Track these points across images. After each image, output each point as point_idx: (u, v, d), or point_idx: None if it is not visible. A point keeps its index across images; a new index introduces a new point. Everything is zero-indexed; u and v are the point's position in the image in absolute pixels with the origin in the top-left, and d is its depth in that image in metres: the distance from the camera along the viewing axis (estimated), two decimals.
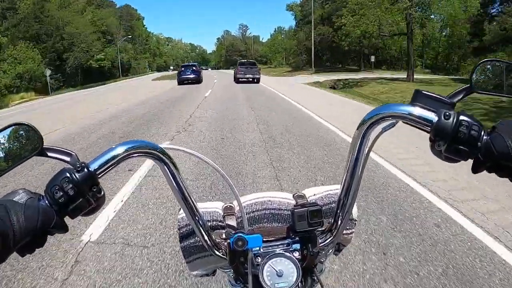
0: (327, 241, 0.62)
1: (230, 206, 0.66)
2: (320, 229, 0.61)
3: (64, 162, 0.50)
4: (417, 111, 0.51)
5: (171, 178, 0.56)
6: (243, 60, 29.55)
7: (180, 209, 0.61)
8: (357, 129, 0.55)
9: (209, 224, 0.63)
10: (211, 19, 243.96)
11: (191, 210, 0.58)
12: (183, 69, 25.45)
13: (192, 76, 24.21)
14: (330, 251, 0.66)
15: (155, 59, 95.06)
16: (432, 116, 0.50)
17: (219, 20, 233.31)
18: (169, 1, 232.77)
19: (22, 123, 0.52)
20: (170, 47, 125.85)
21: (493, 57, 0.57)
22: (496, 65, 0.56)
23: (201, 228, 0.59)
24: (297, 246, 0.60)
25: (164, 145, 0.55)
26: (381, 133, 0.55)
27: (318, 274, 0.62)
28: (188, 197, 0.57)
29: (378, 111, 0.53)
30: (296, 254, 0.59)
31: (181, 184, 0.56)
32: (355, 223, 0.67)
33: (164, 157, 0.54)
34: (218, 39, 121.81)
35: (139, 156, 0.53)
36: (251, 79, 24.48)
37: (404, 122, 0.53)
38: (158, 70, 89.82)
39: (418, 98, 0.52)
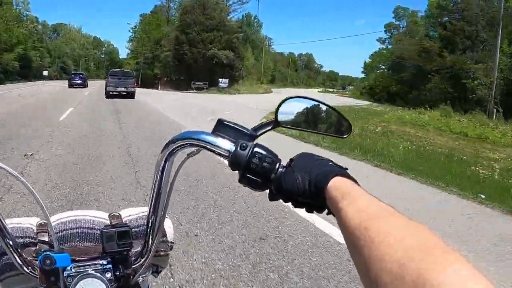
0: (140, 262, 0.63)
1: (45, 223, 0.64)
2: (134, 250, 0.62)
3: None
4: (216, 140, 0.53)
5: None
6: (116, 69, 23.74)
7: None
8: (161, 152, 0.56)
9: (21, 240, 0.60)
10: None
11: None
12: (73, 75, 33.95)
13: (79, 81, 31.81)
14: (147, 272, 0.67)
15: None
16: (230, 146, 0.52)
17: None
18: None
19: None
20: (59, 36, 73.30)
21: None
22: (298, 101, 0.60)
23: (8, 245, 0.56)
24: (110, 266, 0.59)
25: None
26: (186, 158, 0.57)
27: None
28: None
29: (178, 138, 0.54)
30: (108, 274, 0.59)
31: None
32: (172, 246, 0.68)
33: None
34: (141, 15, 58.62)
35: None
36: (124, 93, 19.38)
37: (206, 150, 0.55)
38: None
39: (219, 127, 0.54)
